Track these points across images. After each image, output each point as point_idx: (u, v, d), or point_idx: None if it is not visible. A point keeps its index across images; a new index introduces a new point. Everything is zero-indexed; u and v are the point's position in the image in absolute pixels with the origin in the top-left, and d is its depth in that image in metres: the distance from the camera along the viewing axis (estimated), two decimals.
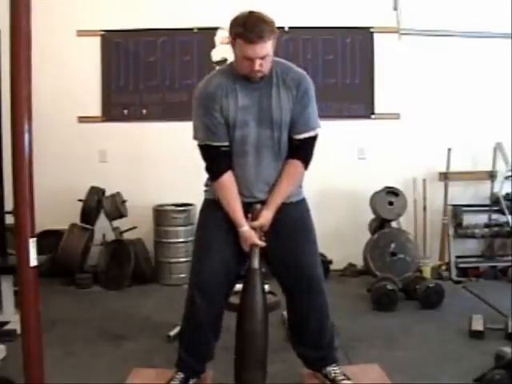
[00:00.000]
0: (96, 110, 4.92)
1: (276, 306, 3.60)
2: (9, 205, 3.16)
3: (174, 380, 2.40)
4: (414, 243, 4.54)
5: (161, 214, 4.67)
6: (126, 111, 4.94)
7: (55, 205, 4.64)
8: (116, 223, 4.61)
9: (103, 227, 4.69)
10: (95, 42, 4.87)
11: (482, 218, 4.89)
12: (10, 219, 3.51)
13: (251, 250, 2.28)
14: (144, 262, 4.66)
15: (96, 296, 4.26)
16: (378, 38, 4.90)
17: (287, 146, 2.33)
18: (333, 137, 4.67)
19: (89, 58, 4.86)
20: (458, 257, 4.76)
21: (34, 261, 1.61)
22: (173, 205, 4.72)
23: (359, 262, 4.75)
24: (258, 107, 2.26)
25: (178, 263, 4.56)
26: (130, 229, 4.64)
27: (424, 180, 4.81)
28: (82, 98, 4.87)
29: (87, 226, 4.64)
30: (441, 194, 4.83)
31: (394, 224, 4.70)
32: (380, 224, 4.61)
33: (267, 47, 2.12)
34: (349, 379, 2.42)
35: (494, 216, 4.85)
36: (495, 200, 4.73)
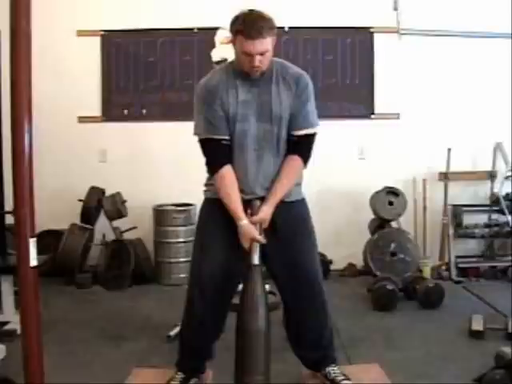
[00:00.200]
0: (96, 110, 4.92)
1: (276, 306, 3.60)
2: (9, 205, 3.17)
3: (174, 380, 2.41)
4: (413, 243, 4.54)
5: (161, 214, 4.67)
6: (126, 111, 4.94)
7: (55, 205, 4.64)
8: (116, 223, 4.61)
9: (103, 227, 4.69)
10: (95, 42, 4.87)
11: (482, 218, 4.89)
12: (10, 219, 3.51)
13: (251, 245, 2.23)
14: (144, 262, 4.66)
15: (96, 296, 4.26)
16: (377, 38, 4.90)
17: (286, 143, 2.34)
18: (333, 137, 4.67)
19: (89, 58, 4.86)
20: (457, 257, 4.76)
21: (33, 261, 1.61)
22: (173, 205, 4.72)
23: (359, 262, 4.75)
24: (258, 102, 2.28)
25: (178, 263, 4.56)
26: (130, 229, 4.64)
27: (424, 180, 4.81)
28: (82, 98, 4.87)
29: (87, 226, 4.65)
30: (441, 194, 4.83)
31: (394, 224, 4.70)
32: (380, 224, 4.61)
33: (266, 43, 2.16)
34: (348, 379, 2.42)
35: (494, 216, 4.85)
36: (495, 200, 4.73)
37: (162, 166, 4.88)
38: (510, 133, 4.70)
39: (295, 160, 2.34)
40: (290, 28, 4.80)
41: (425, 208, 4.77)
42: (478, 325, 3.26)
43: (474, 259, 4.84)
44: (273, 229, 2.32)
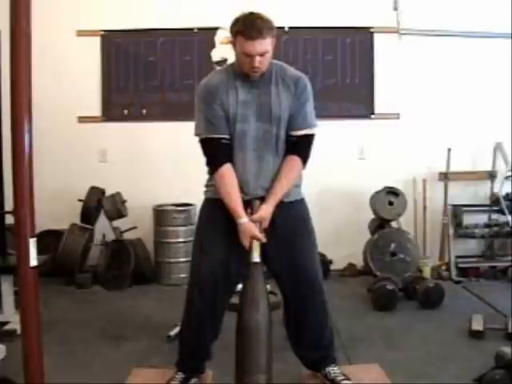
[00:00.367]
0: (96, 110, 4.92)
1: (277, 305, 3.60)
2: (9, 205, 3.17)
3: (174, 380, 2.41)
4: (413, 243, 4.54)
5: (161, 214, 4.67)
6: (126, 111, 4.94)
7: (55, 205, 4.65)
8: (116, 223, 4.61)
9: (103, 227, 4.69)
10: (95, 42, 4.88)
11: (482, 218, 4.89)
12: (10, 219, 3.52)
13: (251, 243, 2.23)
14: (144, 262, 4.66)
15: (96, 296, 4.26)
16: (377, 38, 4.90)
17: (285, 144, 2.35)
18: (333, 137, 4.67)
19: (89, 58, 4.86)
20: (457, 257, 4.76)
21: (33, 261, 1.61)
22: (173, 205, 4.72)
23: (359, 262, 4.76)
24: (258, 103, 2.30)
25: (178, 263, 4.56)
26: (130, 229, 4.64)
27: (424, 180, 4.81)
28: (82, 98, 4.87)
29: (87, 226, 4.65)
30: (441, 194, 4.83)
31: (394, 224, 4.70)
32: (380, 224, 4.61)
33: (266, 44, 2.18)
34: (348, 379, 2.42)
35: (494, 216, 4.85)
36: (495, 200, 4.73)
37: (161, 165, 4.88)
38: (510, 133, 4.70)
39: (294, 160, 2.35)
40: (290, 28, 4.80)
41: (425, 208, 4.77)
42: (477, 325, 3.26)
43: (474, 259, 4.84)
44: (272, 229, 2.32)
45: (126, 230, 4.63)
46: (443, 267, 4.71)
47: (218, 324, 2.43)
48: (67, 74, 4.81)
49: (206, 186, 2.47)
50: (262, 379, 2.09)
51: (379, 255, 4.42)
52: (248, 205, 2.32)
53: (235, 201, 2.28)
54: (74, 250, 4.50)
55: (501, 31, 4.76)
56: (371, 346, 3.14)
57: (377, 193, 4.61)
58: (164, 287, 4.52)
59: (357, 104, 4.95)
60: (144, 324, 3.56)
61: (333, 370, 2.44)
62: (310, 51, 4.91)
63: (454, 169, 4.80)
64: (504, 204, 4.62)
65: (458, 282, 4.54)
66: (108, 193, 4.63)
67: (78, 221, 4.63)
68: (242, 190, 2.32)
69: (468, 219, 4.82)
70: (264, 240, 2.25)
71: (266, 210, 2.28)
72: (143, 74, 4.92)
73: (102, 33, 4.87)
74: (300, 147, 2.36)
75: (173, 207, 4.69)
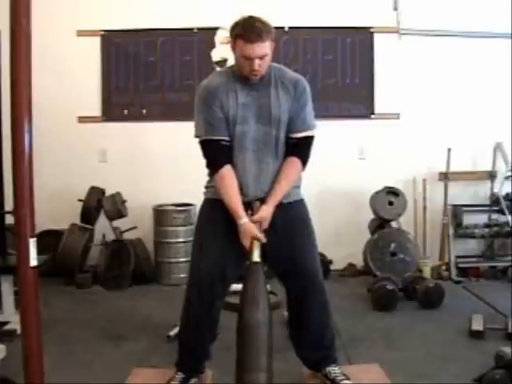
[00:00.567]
0: (96, 110, 4.92)
1: (277, 305, 3.60)
2: (9, 205, 3.17)
3: (173, 380, 2.41)
4: (413, 243, 4.54)
5: (161, 214, 4.67)
6: (126, 111, 4.94)
7: (55, 205, 4.65)
8: (116, 223, 4.61)
9: (103, 227, 4.69)
10: (95, 42, 4.88)
11: (482, 218, 4.89)
12: (10, 219, 3.52)
13: (251, 243, 2.25)
14: (144, 262, 4.66)
15: (96, 296, 4.26)
16: (377, 38, 4.90)
17: (285, 147, 2.37)
18: (333, 137, 4.67)
19: (89, 58, 4.86)
20: (457, 257, 4.76)
21: (33, 261, 1.61)
22: (173, 205, 4.72)
23: (359, 262, 4.76)
24: (257, 105, 2.31)
25: (178, 263, 4.56)
26: (130, 229, 4.64)
27: (424, 180, 4.81)
28: (82, 98, 4.87)
29: (87, 226, 4.65)
30: (441, 194, 4.83)
31: (394, 224, 4.70)
32: (380, 224, 4.61)
33: (266, 47, 2.20)
34: (348, 379, 2.42)
35: (494, 216, 4.85)
36: (495, 200, 4.73)
37: (161, 165, 4.88)
38: (510, 133, 4.70)
39: (294, 162, 2.36)
40: (290, 28, 4.81)
41: (425, 208, 4.77)
42: (478, 325, 3.26)
43: (473, 259, 4.84)
44: (273, 229, 2.32)
45: (126, 230, 4.63)
46: (443, 267, 4.71)
47: (215, 324, 2.44)
48: (67, 74, 4.81)
49: (206, 187, 2.49)
50: (262, 377, 2.08)
51: (379, 255, 4.42)
52: (248, 206, 2.33)
53: (235, 202, 2.29)
54: (74, 250, 4.50)
55: (501, 31, 4.76)
56: (371, 346, 3.15)
57: (377, 193, 4.61)
58: (164, 287, 4.52)
59: (357, 104, 4.95)
60: (144, 324, 3.56)
61: (333, 370, 2.44)
62: (309, 51, 4.91)
63: (454, 169, 4.80)
64: (504, 204, 4.62)
65: (458, 282, 4.54)
66: (108, 193, 4.63)
67: (78, 221, 4.63)
68: (241, 191, 2.33)
69: (468, 219, 4.82)
70: (264, 240, 2.26)
71: (266, 211, 2.29)
72: (143, 74, 4.92)
73: (102, 33, 4.87)
74: (300, 149, 2.37)
75: (173, 207, 4.69)
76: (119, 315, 3.75)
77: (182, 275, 4.37)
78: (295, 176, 2.39)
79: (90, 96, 4.88)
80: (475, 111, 4.84)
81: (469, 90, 4.84)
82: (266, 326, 2.12)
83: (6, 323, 3.31)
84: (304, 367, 2.54)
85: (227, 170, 2.31)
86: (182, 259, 4.54)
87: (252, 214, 2.30)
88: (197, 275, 2.33)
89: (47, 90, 4.53)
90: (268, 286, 2.78)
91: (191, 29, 4.85)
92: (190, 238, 4.21)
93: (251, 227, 2.25)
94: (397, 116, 4.93)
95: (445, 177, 4.82)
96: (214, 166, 2.35)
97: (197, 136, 2.36)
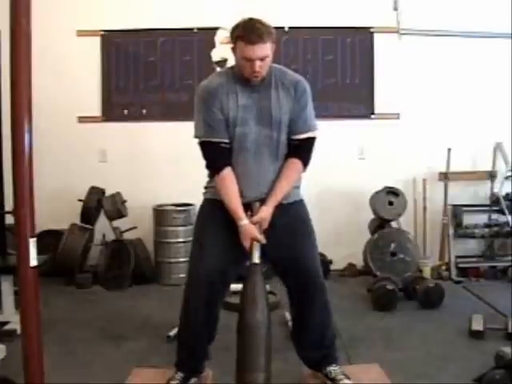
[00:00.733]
0: (96, 110, 4.92)
1: (276, 305, 3.61)
2: (9, 205, 3.17)
3: (173, 380, 2.41)
4: (413, 243, 4.54)
5: (161, 214, 4.67)
6: (126, 111, 4.94)
7: (55, 205, 4.64)
8: (116, 223, 4.61)
9: (103, 227, 4.69)
10: (95, 42, 4.87)
11: (482, 218, 4.89)
12: (10, 219, 3.52)
13: (251, 245, 2.26)
14: (144, 262, 4.66)
15: (96, 296, 4.26)
16: (378, 38, 4.90)
17: (285, 149, 2.37)
18: (333, 137, 4.67)
19: (89, 58, 4.86)
20: (457, 257, 4.76)
21: (33, 261, 1.61)
22: (173, 205, 4.72)
23: (359, 262, 4.76)
24: (258, 107, 2.31)
25: (178, 263, 4.56)
26: (130, 229, 4.64)
27: (424, 180, 4.81)
28: (81, 98, 4.87)
29: (87, 226, 4.65)
30: (441, 194, 4.83)
31: (394, 224, 4.70)
32: (380, 224, 4.61)
33: (266, 48, 2.19)
34: (349, 378, 2.43)
35: (494, 216, 4.85)
36: (495, 200, 4.73)
37: (161, 165, 4.88)
38: (510, 133, 4.70)
39: (295, 163, 2.37)
40: (290, 28, 4.80)
41: (425, 208, 4.77)
42: (478, 325, 3.26)
43: (474, 259, 4.84)
44: (273, 229, 2.33)
45: (126, 230, 4.63)
46: (443, 267, 4.71)
47: (214, 324, 2.44)
48: (67, 74, 4.81)
49: (206, 187, 2.49)
50: (261, 377, 2.10)
51: (379, 255, 4.43)
52: (248, 207, 2.33)
53: (235, 203, 2.30)
54: (74, 250, 4.50)
55: (501, 31, 4.76)
56: (371, 346, 3.14)
57: (377, 193, 4.61)
58: (164, 287, 4.52)
59: (357, 104, 4.95)
60: (144, 324, 3.56)
61: (334, 370, 2.45)
62: (309, 51, 4.91)
63: (454, 169, 4.80)
64: (504, 204, 4.62)
65: (458, 282, 4.54)
66: (108, 193, 4.63)
67: (78, 221, 4.63)
68: (241, 193, 2.34)
69: (468, 219, 4.82)
70: (264, 241, 2.27)
71: (265, 212, 2.30)
72: (143, 74, 4.92)
73: (102, 33, 4.87)
74: (301, 150, 2.38)
75: (173, 207, 4.69)
76: (119, 315, 3.75)
77: (182, 275, 4.35)
78: (295, 177, 2.40)
79: (90, 96, 4.88)
80: (475, 111, 4.84)
81: (469, 90, 4.84)
82: (264, 327, 2.14)
83: (5, 323, 3.31)
84: (304, 367, 2.55)
85: (227, 172, 2.32)
86: (182, 259, 4.54)
87: (252, 215, 2.31)
88: (196, 275, 2.33)
89: (47, 89, 4.53)
90: (268, 286, 2.79)
91: (191, 29, 4.85)
92: (190, 238, 4.22)
93: (251, 229, 2.26)
94: (397, 116, 4.93)
95: (445, 177, 4.82)
96: (213, 167, 2.36)
97: (196, 137, 2.36)
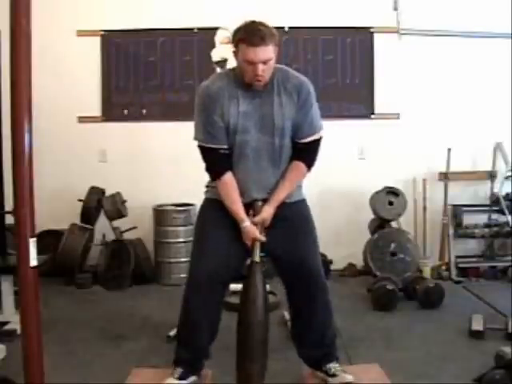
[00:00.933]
0: (96, 110, 4.92)
1: (276, 305, 3.61)
2: (9, 205, 3.17)
3: (173, 375, 2.41)
4: (413, 243, 4.54)
5: (161, 214, 4.67)
6: (126, 111, 4.94)
7: (55, 205, 4.64)
8: (116, 223, 4.61)
9: (103, 227, 4.69)
10: (95, 42, 4.87)
11: (482, 218, 4.89)
12: (10, 219, 3.52)
13: (252, 244, 2.31)
14: (144, 262, 4.66)
15: (96, 296, 4.26)
16: (378, 38, 4.90)
17: (289, 153, 2.36)
18: (333, 137, 4.63)
19: (89, 58, 4.86)
20: (458, 257, 4.76)
21: (33, 261, 1.61)
22: (173, 205, 4.72)
23: (359, 262, 4.76)
24: (260, 114, 2.28)
25: (178, 263, 4.56)
26: (130, 229, 4.64)
27: (424, 180, 4.81)
28: (81, 98, 4.87)
29: (87, 226, 4.64)
30: (441, 194, 4.83)
31: (394, 224, 4.70)
32: (380, 224, 4.61)
33: (269, 51, 2.15)
34: (349, 374, 2.43)
35: (494, 216, 4.85)
36: (495, 200, 4.73)
37: (161, 165, 4.88)
38: (510, 133, 4.70)
39: (299, 166, 2.37)
40: (290, 28, 4.80)
41: (425, 208, 4.77)
42: (478, 325, 3.26)
43: (474, 259, 4.84)
44: (274, 228, 2.34)
45: (126, 230, 4.63)
46: (443, 267, 4.70)
47: (215, 324, 2.44)
48: (67, 74, 4.81)
49: (207, 186, 2.49)
50: (259, 367, 2.22)
51: (379, 255, 4.42)
52: (249, 207, 2.34)
53: (237, 205, 2.31)
54: (74, 250, 4.50)
55: (501, 31, 4.76)
56: (371, 346, 3.14)
57: (377, 193, 4.61)
58: (164, 287, 4.52)
59: (357, 104, 4.95)
60: (144, 324, 3.56)
61: (334, 367, 2.46)
62: (309, 51, 4.91)
63: (454, 169, 4.80)
64: (504, 204, 4.62)
65: (458, 282, 4.54)
66: (108, 193, 4.63)
67: (78, 221, 4.63)
68: (242, 195, 2.34)
69: (468, 219, 4.82)
70: (264, 239, 2.30)
71: (267, 212, 2.31)
72: (143, 74, 4.92)
73: (102, 33, 4.87)
74: (307, 153, 2.38)
75: (173, 207, 4.69)
76: (119, 315, 3.75)
77: (182, 275, 4.35)
78: (299, 178, 2.41)
79: (90, 96, 4.88)
80: (475, 111, 4.84)
81: (469, 90, 4.84)
82: (262, 324, 2.23)
83: (6, 323, 3.31)
84: (304, 367, 2.56)
85: (228, 176, 2.32)
86: (182, 259, 4.54)
87: (254, 215, 2.33)
88: (196, 274, 2.34)
89: (47, 89, 4.53)
90: (268, 286, 2.80)
91: (191, 29, 4.85)
92: (190, 238, 4.21)
93: (253, 229, 2.29)
94: (397, 116, 4.93)
95: (445, 177, 4.82)
96: (214, 172, 2.36)
97: (196, 139, 2.35)
